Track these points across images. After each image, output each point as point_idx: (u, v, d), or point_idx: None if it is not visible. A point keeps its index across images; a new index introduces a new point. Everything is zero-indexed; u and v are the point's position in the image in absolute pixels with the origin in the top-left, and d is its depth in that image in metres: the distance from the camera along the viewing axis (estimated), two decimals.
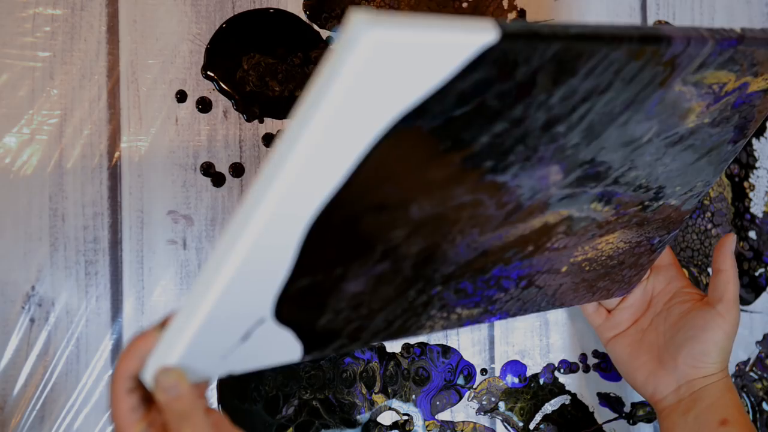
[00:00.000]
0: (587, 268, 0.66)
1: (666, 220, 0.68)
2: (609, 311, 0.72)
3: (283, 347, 0.54)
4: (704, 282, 0.82)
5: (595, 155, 0.57)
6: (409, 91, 0.45)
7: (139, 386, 0.49)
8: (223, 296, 0.49)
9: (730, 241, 0.69)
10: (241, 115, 0.73)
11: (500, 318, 0.64)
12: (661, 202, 0.66)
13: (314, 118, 0.44)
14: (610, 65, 0.51)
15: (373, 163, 0.47)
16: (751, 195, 0.86)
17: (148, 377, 0.49)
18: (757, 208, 0.86)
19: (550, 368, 0.78)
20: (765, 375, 0.86)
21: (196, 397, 0.49)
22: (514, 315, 0.65)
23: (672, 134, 0.61)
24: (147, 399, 0.50)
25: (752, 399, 0.86)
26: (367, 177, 0.48)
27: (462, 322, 0.62)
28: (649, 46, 0.52)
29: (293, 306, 0.52)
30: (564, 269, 0.64)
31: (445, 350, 0.75)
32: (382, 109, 0.45)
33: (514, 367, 0.77)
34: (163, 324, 0.50)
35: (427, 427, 0.74)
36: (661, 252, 0.70)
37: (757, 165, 0.86)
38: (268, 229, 0.47)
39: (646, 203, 0.65)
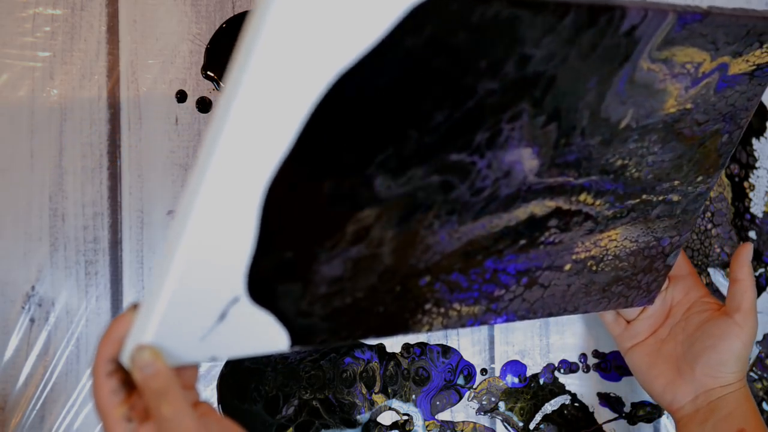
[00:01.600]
0: (594, 268, 0.66)
1: (672, 218, 0.68)
2: (628, 321, 0.72)
3: (266, 333, 0.54)
4: (704, 282, 0.82)
5: (569, 138, 0.58)
6: (344, 49, 0.47)
7: (120, 370, 0.50)
8: (187, 270, 0.50)
9: (747, 251, 0.69)
10: None
11: (507, 320, 0.64)
12: (660, 197, 0.66)
13: (246, 73, 0.46)
14: (560, 33, 0.53)
15: (319, 126, 0.49)
16: (751, 195, 0.86)
17: (125, 358, 0.50)
18: (757, 208, 0.86)
19: (550, 368, 0.78)
20: (765, 375, 0.86)
21: (174, 375, 0.49)
22: (523, 317, 0.64)
23: (654, 121, 0.61)
24: (129, 384, 0.51)
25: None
26: (315, 141, 0.49)
27: (463, 321, 0.62)
28: (602, 15, 0.54)
29: (267, 285, 0.52)
30: (568, 267, 0.65)
31: (445, 350, 0.75)
32: (321, 66, 0.47)
33: (514, 367, 0.77)
34: (136, 305, 0.50)
35: (427, 427, 0.74)
36: (675, 256, 0.70)
37: (757, 165, 0.86)
38: (221, 196, 0.49)
39: (644, 198, 0.65)
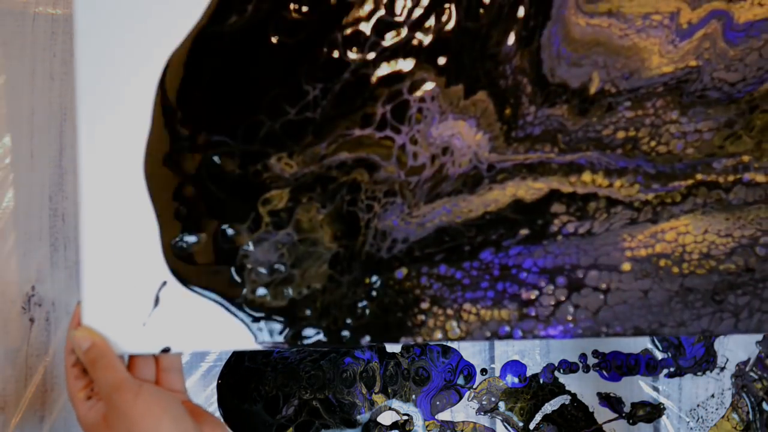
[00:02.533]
0: (675, 269, 0.59)
1: None
2: None
3: (219, 324, 0.57)
4: None
5: (517, 109, 0.57)
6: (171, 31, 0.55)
7: (80, 360, 0.56)
8: (97, 256, 0.56)
9: None
10: None
11: (572, 333, 0.59)
12: (729, 178, 0.59)
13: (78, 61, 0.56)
14: None
15: (172, 100, 0.56)
16: None
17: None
18: None
19: (550, 368, 0.78)
20: (765, 375, 0.86)
21: (109, 347, 0.56)
22: (596, 332, 0.59)
23: (645, 83, 0.58)
24: None
25: (752, 399, 0.86)
26: (171, 116, 0.56)
27: (493, 328, 0.58)
28: None
29: (192, 268, 0.56)
30: (627, 267, 0.59)
31: (445, 350, 0.75)
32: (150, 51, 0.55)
33: (514, 367, 0.77)
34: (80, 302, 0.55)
35: (427, 427, 0.74)
36: None
37: None
38: (100, 185, 0.56)
39: (701, 178, 0.59)
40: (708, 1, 0.58)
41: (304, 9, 0.57)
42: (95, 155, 0.56)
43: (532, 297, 0.58)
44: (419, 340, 0.58)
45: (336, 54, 0.57)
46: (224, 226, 0.57)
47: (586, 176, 0.58)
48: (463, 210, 0.57)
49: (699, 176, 0.59)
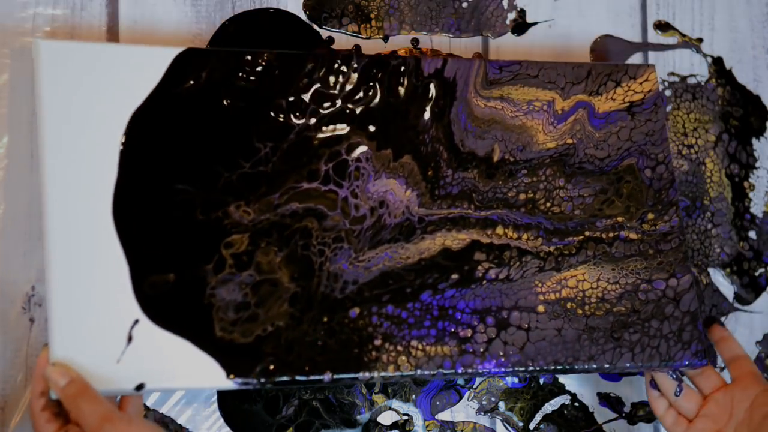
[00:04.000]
0: (579, 311, 0.71)
1: (648, 259, 0.74)
2: (690, 421, 0.74)
3: (192, 361, 0.62)
4: (704, 282, 0.83)
5: (437, 171, 0.70)
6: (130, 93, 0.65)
7: (51, 404, 0.59)
8: (68, 295, 0.61)
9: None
10: None
11: (504, 368, 0.69)
12: (610, 235, 0.73)
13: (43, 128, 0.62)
14: (349, 75, 0.70)
15: (137, 154, 0.64)
16: (751, 195, 0.87)
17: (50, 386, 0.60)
18: (757, 208, 0.87)
19: None
20: (765, 375, 0.86)
21: (86, 382, 0.58)
22: (524, 366, 0.69)
23: (535, 156, 0.72)
24: (62, 415, 0.60)
25: None
26: (138, 167, 0.64)
27: (438, 363, 0.67)
28: (391, 60, 0.72)
29: (163, 308, 0.62)
30: (541, 309, 0.70)
31: None
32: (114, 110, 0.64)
33: None
34: (46, 344, 0.60)
35: (427, 427, 0.74)
36: (693, 302, 0.74)
37: (757, 165, 0.87)
38: (69, 227, 0.61)
39: (589, 235, 0.72)
40: (575, 93, 0.73)
41: (252, 78, 0.67)
42: (63, 198, 0.62)
43: (468, 334, 0.68)
44: (375, 374, 0.66)
45: (281, 117, 0.67)
46: (190, 267, 0.64)
47: (499, 230, 0.70)
48: (402, 256, 0.68)
49: (587, 233, 0.72)
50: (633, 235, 0.74)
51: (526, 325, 0.69)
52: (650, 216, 0.74)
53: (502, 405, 0.79)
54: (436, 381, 0.77)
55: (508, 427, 0.79)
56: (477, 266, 0.69)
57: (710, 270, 0.85)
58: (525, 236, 0.71)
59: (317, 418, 0.73)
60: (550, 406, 0.80)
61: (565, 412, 0.80)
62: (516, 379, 0.79)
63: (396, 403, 0.76)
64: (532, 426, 0.79)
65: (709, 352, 0.78)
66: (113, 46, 0.67)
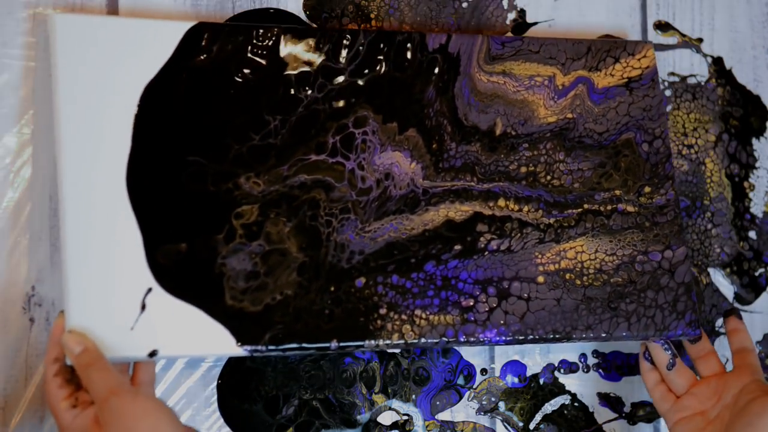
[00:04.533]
0: (578, 282, 0.73)
1: (645, 231, 0.76)
2: (678, 397, 0.76)
3: (203, 329, 0.64)
4: (704, 282, 0.83)
5: (441, 144, 0.71)
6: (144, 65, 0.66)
7: (64, 369, 0.61)
8: (82, 264, 0.62)
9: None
10: None
11: (504, 336, 0.71)
12: (608, 207, 0.75)
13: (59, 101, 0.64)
14: (359, 48, 0.71)
15: (150, 123, 0.65)
16: (751, 195, 0.87)
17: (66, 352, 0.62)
18: (757, 208, 0.87)
19: (550, 368, 0.79)
20: (765, 375, 0.86)
21: (101, 352, 0.60)
22: (524, 334, 0.72)
23: (536, 130, 0.74)
24: (73, 382, 0.61)
25: None
26: (150, 138, 0.65)
27: (441, 331, 0.69)
28: (396, 37, 0.73)
29: (176, 277, 0.65)
30: (541, 280, 0.72)
31: (445, 350, 0.76)
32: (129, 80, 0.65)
33: (514, 367, 0.78)
34: (62, 311, 0.62)
35: (427, 427, 0.74)
36: (688, 273, 0.76)
37: (757, 165, 0.87)
38: (84, 195, 0.63)
39: (587, 207, 0.74)
40: (575, 69, 0.76)
41: (261, 52, 0.69)
42: (78, 168, 0.63)
43: (471, 304, 0.70)
44: (380, 342, 0.68)
45: (291, 91, 0.69)
46: (201, 237, 0.65)
47: (501, 202, 0.72)
48: (407, 227, 0.70)
49: (586, 206, 0.74)
50: (630, 208, 0.76)
51: (526, 295, 0.72)
52: (647, 189, 0.76)
53: (502, 405, 0.79)
54: (436, 381, 0.77)
55: (508, 427, 0.79)
56: (479, 237, 0.72)
57: (710, 270, 0.85)
58: (526, 208, 0.73)
59: (317, 418, 0.74)
60: (550, 406, 0.80)
61: (565, 412, 0.81)
62: (516, 379, 0.79)
63: (396, 403, 0.76)
64: (532, 426, 0.80)
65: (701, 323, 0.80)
66: (127, 19, 0.69)
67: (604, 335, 0.73)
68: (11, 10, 0.70)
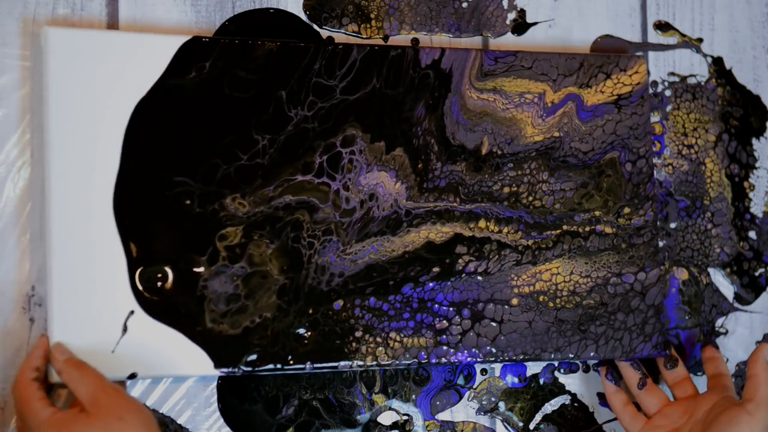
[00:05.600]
0: (551, 304, 0.74)
1: (621, 253, 0.76)
2: (649, 418, 0.78)
3: (182, 351, 0.65)
4: (704, 282, 0.83)
5: (427, 164, 0.71)
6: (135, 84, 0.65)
7: (41, 376, 0.63)
8: (66, 285, 0.63)
9: (764, 351, 0.75)
10: None
11: (473, 358, 0.72)
12: (586, 229, 0.75)
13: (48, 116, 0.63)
14: (352, 66, 0.71)
15: (137, 145, 0.65)
16: (751, 195, 0.87)
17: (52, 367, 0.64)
18: (757, 208, 0.87)
19: (550, 368, 0.79)
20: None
21: (82, 360, 0.63)
22: (493, 357, 0.73)
23: (523, 149, 0.74)
24: (49, 387, 0.64)
25: None
26: (138, 160, 0.65)
27: (414, 354, 0.71)
28: (391, 51, 0.72)
29: (157, 299, 0.65)
30: (515, 302, 0.73)
31: None
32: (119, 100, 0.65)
33: (514, 367, 0.78)
34: (44, 334, 0.65)
35: (427, 427, 0.74)
36: (660, 295, 0.77)
37: (757, 165, 0.88)
38: (70, 213, 0.63)
39: (566, 229, 0.74)
40: (565, 86, 0.75)
41: (254, 69, 0.68)
42: (66, 187, 0.64)
43: (444, 326, 0.71)
44: (353, 364, 0.69)
45: (281, 109, 0.68)
46: (185, 259, 0.66)
47: (482, 223, 0.72)
48: (387, 249, 0.70)
49: (565, 227, 0.74)
50: (608, 229, 0.76)
51: (499, 318, 0.73)
52: (626, 210, 0.77)
53: (502, 405, 0.79)
54: (436, 381, 0.77)
55: (508, 427, 0.79)
56: (458, 259, 0.72)
57: (710, 270, 0.85)
58: (506, 230, 0.73)
59: (317, 418, 0.74)
60: (550, 406, 0.81)
61: (565, 412, 0.81)
62: (516, 379, 0.79)
63: (396, 403, 0.76)
64: (532, 426, 0.80)
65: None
66: (121, 33, 0.69)
67: (572, 356, 0.74)
68: (11, 11, 0.70)
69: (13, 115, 0.70)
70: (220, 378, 0.73)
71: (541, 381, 0.82)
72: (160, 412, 0.71)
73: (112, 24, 0.73)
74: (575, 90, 0.77)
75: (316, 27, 0.78)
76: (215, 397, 0.73)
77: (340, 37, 0.78)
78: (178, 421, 0.72)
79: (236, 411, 0.73)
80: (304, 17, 0.78)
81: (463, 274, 0.72)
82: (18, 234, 0.69)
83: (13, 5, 0.70)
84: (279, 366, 0.68)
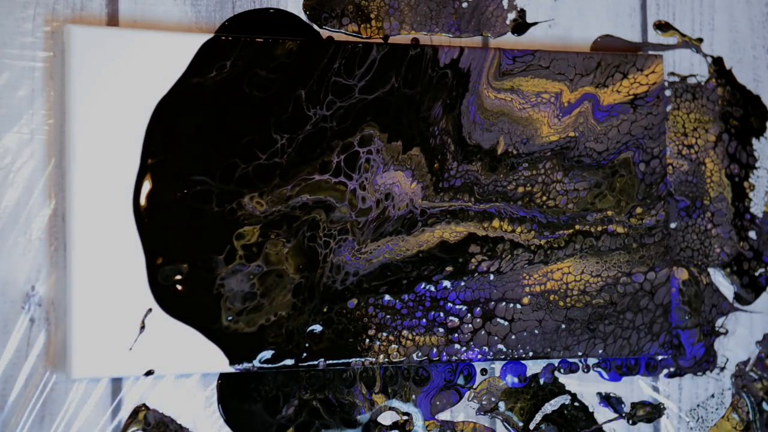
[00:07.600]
0: (561, 303, 0.76)
1: (631, 253, 0.77)
2: None
3: (198, 350, 0.66)
4: (704, 282, 0.83)
5: (443, 164, 0.72)
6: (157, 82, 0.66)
7: None
8: (87, 282, 0.64)
9: None
10: None
11: (485, 358, 0.74)
12: (598, 228, 0.76)
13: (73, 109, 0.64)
14: (372, 64, 0.71)
15: (159, 142, 0.66)
16: (751, 195, 0.87)
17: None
18: (757, 208, 0.87)
19: (550, 368, 0.79)
20: (765, 375, 0.87)
21: None
22: (505, 358, 0.75)
23: (538, 149, 0.74)
24: None
25: (752, 399, 0.87)
26: (160, 158, 0.66)
27: (426, 351, 0.72)
28: (410, 50, 0.73)
29: (176, 298, 0.66)
30: (526, 301, 0.74)
31: None
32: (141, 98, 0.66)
33: (514, 367, 0.78)
34: None
35: (427, 427, 0.75)
36: (666, 293, 0.78)
37: (757, 165, 0.88)
38: (91, 208, 0.64)
39: (579, 228, 0.75)
40: (582, 86, 0.76)
41: (274, 68, 0.69)
42: (86, 186, 0.64)
43: (456, 325, 0.72)
44: (366, 362, 0.71)
45: (300, 108, 0.69)
46: (202, 258, 0.67)
47: (496, 223, 0.73)
48: (402, 248, 0.71)
49: (577, 227, 0.75)
50: (620, 229, 0.78)
51: (510, 317, 0.74)
52: (638, 210, 0.78)
53: (502, 405, 0.79)
54: (436, 381, 0.77)
55: (508, 427, 0.79)
56: (471, 258, 0.74)
57: (710, 270, 0.85)
58: (519, 229, 0.75)
59: (317, 418, 0.74)
60: (550, 406, 0.81)
61: (565, 412, 0.81)
62: (516, 379, 0.80)
63: (396, 403, 0.76)
64: (532, 426, 0.80)
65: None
66: (143, 32, 0.70)
67: (580, 355, 0.76)
68: (11, 10, 0.70)
69: (12, 115, 0.70)
70: (220, 378, 0.73)
71: (541, 381, 0.82)
72: (160, 412, 0.72)
73: (112, 23, 0.73)
74: (592, 90, 0.78)
75: (316, 27, 0.79)
76: (215, 397, 0.74)
77: (339, 37, 0.79)
78: (178, 422, 0.73)
79: (236, 411, 0.74)
80: (304, 17, 0.78)
81: (476, 273, 0.74)
82: (18, 234, 0.70)
83: (12, 5, 0.70)
84: (293, 364, 0.69)
